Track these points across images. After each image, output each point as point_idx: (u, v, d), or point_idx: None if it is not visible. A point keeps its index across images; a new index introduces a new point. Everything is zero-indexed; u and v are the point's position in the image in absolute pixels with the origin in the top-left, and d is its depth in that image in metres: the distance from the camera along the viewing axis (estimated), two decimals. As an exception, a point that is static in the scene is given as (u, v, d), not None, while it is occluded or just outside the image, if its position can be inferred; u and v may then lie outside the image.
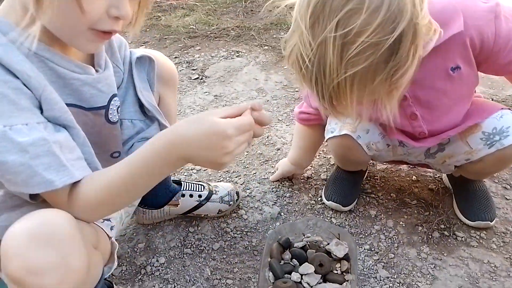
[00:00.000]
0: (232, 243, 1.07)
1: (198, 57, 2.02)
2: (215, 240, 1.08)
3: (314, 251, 0.81)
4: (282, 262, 0.81)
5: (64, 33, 0.61)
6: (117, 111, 0.76)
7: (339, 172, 1.19)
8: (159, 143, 0.62)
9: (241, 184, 1.25)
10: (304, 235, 0.88)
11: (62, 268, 0.56)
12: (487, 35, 0.78)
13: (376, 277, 0.97)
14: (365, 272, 0.98)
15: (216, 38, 2.18)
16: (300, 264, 0.80)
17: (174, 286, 0.98)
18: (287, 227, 0.89)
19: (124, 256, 1.05)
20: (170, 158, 0.62)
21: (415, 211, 1.13)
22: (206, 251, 1.05)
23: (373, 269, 0.99)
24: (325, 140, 1.09)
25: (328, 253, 0.81)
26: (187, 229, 1.10)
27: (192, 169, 1.33)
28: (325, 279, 0.77)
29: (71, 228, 0.59)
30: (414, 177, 1.24)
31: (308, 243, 0.85)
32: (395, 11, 0.62)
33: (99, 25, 0.60)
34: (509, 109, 0.94)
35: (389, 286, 0.95)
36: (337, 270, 0.79)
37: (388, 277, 0.97)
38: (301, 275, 0.77)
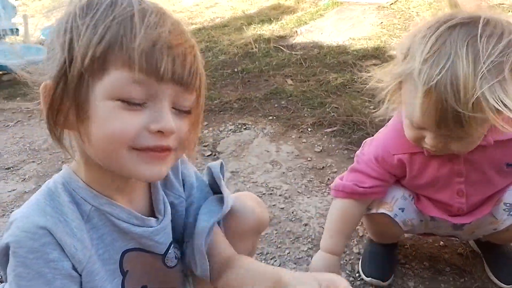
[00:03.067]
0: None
1: (207, 132, 2.09)
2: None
3: None
4: None
5: (113, 163, 0.61)
6: (175, 257, 0.79)
7: (373, 246, 1.24)
8: None
9: (278, 266, 1.28)
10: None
11: None
12: None
13: None
14: None
15: (220, 111, 2.28)
16: None
17: None
18: None
19: None
20: None
21: (451, 278, 1.18)
22: None
23: None
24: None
25: None
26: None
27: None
28: None
29: None
30: (441, 242, 1.30)
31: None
32: None
33: (140, 142, 0.58)
34: None
35: None
36: None
37: None
38: None
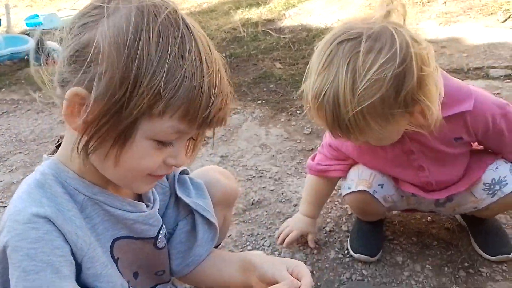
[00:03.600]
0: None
1: (196, 118, 2.08)
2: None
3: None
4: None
5: (124, 182, 0.67)
6: (165, 236, 0.81)
7: (361, 223, 1.25)
8: None
9: (268, 247, 1.29)
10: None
11: None
12: (488, 124, 0.92)
13: (418, 325, 1.02)
14: (406, 322, 1.03)
15: (209, 97, 2.26)
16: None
17: None
18: None
19: None
20: None
21: (438, 252, 1.20)
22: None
23: (413, 317, 1.03)
24: (342, 196, 1.16)
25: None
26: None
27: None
28: None
29: None
30: (429, 218, 1.32)
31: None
32: (396, 52, 0.77)
33: (156, 172, 0.65)
34: (502, 157, 1.05)
35: (432, 333, 1.00)
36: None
37: (429, 324, 1.02)
38: None
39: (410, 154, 1.00)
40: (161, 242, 0.80)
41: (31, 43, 2.62)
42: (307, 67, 0.89)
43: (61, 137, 0.71)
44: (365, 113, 0.79)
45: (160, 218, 0.79)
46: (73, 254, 0.63)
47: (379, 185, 1.08)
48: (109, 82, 0.55)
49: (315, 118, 0.89)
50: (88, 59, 0.56)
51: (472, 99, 0.89)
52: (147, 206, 0.76)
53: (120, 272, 0.73)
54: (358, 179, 1.09)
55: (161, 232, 0.79)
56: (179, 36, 0.57)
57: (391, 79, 0.77)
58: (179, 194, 0.84)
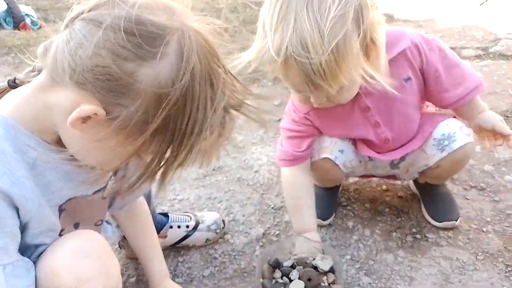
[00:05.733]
0: (221, 268, 1.12)
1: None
2: (204, 267, 1.12)
3: (302, 267, 0.88)
4: (274, 281, 0.87)
5: (98, 163, 0.65)
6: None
7: (316, 189, 1.26)
8: None
9: (224, 209, 1.30)
10: (291, 254, 0.95)
11: (104, 274, 0.66)
12: (422, 56, 0.96)
13: (359, 284, 1.04)
14: (349, 281, 1.05)
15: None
16: (290, 281, 0.86)
17: (170, 316, 1.01)
18: (275, 248, 0.95)
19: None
20: None
21: (389, 219, 1.22)
22: (197, 279, 1.09)
23: (356, 277, 1.06)
24: None
25: (315, 267, 0.87)
26: (176, 259, 1.14)
27: (174, 199, 1.36)
28: (314, 292, 0.83)
29: (104, 241, 0.69)
30: (384, 186, 1.34)
31: (296, 260, 0.91)
32: None
33: None
34: (454, 117, 1.08)
35: (373, 292, 1.02)
36: (324, 283, 0.85)
37: (370, 283, 1.04)
38: (293, 291, 0.83)
39: (366, 111, 1.01)
40: (107, 191, 0.80)
41: (2, 5, 2.55)
42: (256, 32, 0.86)
43: (17, 79, 0.68)
44: (335, 54, 0.78)
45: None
46: (19, 215, 0.63)
47: (339, 151, 1.09)
48: (141, 124, 0.57)
49: (283, 77, 0.85)
50: (122, 90, 0.56)
51: (407, 36, 0.94)
52: None
53: (62, 222, 0.73)
54: (320, 147, 1.09)
55: (109, 182, 0.79)
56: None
57: (352, 14, 0.77)
58: None
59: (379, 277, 1.06)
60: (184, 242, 1.14)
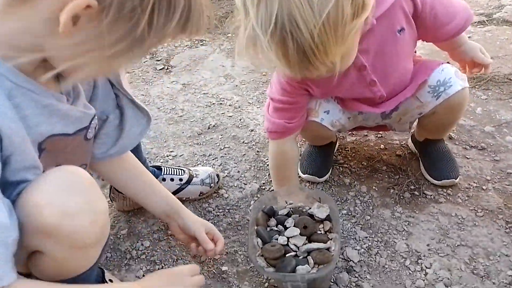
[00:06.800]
0: (215, 221, 1.09)
1: (161, 48, 2.00)
2: (198, 220, 1.10)
3: (298, 215, 0.85)
4: (269, 229, 0.85)
5: (91, 73, 0.62)
6: (95, 129, 0.77)
7: (312, 147, 1.24)
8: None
9: (219, 166, 1.27)
10: (287, 203, 0.92)
11: (91, 210, 0.62)
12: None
13: (355, 238, 1.02)
14: (345, 235, 1.03)
15: (178, 28, 2.17)
16: (286, 229, 0.83)
17: (162, 266, 0.99)
18: (270, 197, 0.92)
19: (108, 244, 1.04)
20: None
21: (386, 176, 1.20)
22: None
23: (352, 231, 1.04)
24: None
25: (311, 216, 0.85)
26: (169, 212, 1.11)
27: (168, 156, 1.33)
28: (310, 240, 0.81)
29: (90, 177, 0.65)
30: (382, 145, 1.31)
31: (292, 209, 0.88)
32: None
33: None
34: (448, 62, 1.05)
35: (368, 245, 1.00)
36: (320, 231, 0.83)
37: (366, 237, 1.02)
38: (288, 238, 0.80)
39: (362, 69, 0.96)
40: (91, 133, 0.76)
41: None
42: (232, 12, 0.77)
43: None
44: (326, 26, 0.69)
45: (92, 107, 0.74)
46: (2, 147, 0.58)
47: (325, 112, 1.06)
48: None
49: (272, 56, 0.73)
50: None
51: None
52: (67, 100, 0.70)
53: (42, 163, 0.68)
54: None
55: (92, 122, 0.75)
56: None
57: None
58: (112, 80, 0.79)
59: (376, 231, 1.04)
60: (177, 195, 1.10)
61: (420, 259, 0.96)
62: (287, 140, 1.05)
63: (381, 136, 1.34)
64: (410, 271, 0.94)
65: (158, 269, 0.98)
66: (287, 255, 0.77)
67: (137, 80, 1.77)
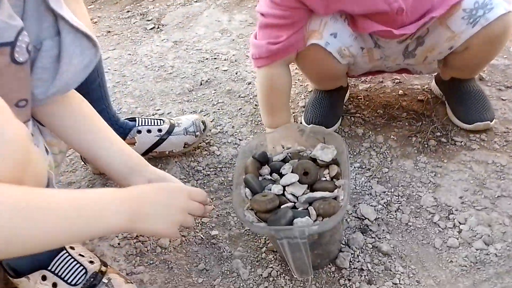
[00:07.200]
0: (205, 181, 0.94)
1: (153, 8, 1.83)
2: (185, 180, 0.94)
3: (297, 160, 0.68)
4: (261, 178, 0.68)
5: None
6: (27, 50, 0.59)
7: (317, 93, 1.06)
8: (111, 191, 0.56)
9: (211, 121, 1.10)
10: (283, 147, 0.75)
11: None
12: None
13: (371, 193, 0.85)
14: (358, 190, 0.86)
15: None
16: (281, 177, 0.66)
17: (137, 235, 0.84)
18: (262, 139, 0.74)
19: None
20: (118, 209, 0.53)
21: (406, 124, 1.01)
22: (176, 193, 0.91)
23: (366, 186, 0.87)
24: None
25: (314, 160, 0.68)
26: (152, 173, 0.96)
27: (154, 114, 1.17)
28: (312, 189, 0.64)
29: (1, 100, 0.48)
30: (400, 91, 1.12)
31: (289, 154, 0.71)
32: None
33: None
34: None
35: (387, 201, 0.83)
36: (325, 177, 0.66)
37: (384, 192, 0.85)
38: (284, 186, 0.64)
39: None
40: (21, 54, 0.59)
41: None
42: None
43: None
44: None
45: (16, 16, 0.58)
46: None
47: (331, 34, 0.85)
48: None
49: None
50: None
51: None
52: None
53: None
54: (307, 31, 0.86)
55: (20, 37, 0.58)
56: None
57: None
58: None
59: (395, 185, 0.86)
60: (158, 149, 0.95)
61: (452, 214, 0.79)
62: (275, 66, 0.88)
63: (399, 82, 1.15)
64: (440, 228, 0.77)
65: (136, 236, 0.83)
66: (282, 206, 0.61)
67: (125, 41, 1.60)
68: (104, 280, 0.69)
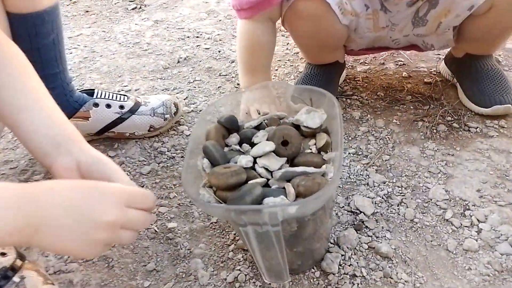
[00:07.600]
0: (168, 165, 0.78)
1: (137, -12, 1.69)
2: (144, 162, 0.78)
3: (274, 127, 0.52)
4: (227, 149, 0.52)
5: None
6: None
7: (310, 69, 0.91)
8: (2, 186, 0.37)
9: (184, 99, 0.95)
10: (259, 113, 0.59)
11: None
12: None
13: (368, 183, 0.69)
14: (352, 179, 0.70)
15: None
16: (253, 147, 0.50)
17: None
18: (231, 100, 0.58)
19: None
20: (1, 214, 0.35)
21: (411, 107, 0.86)
22: (131, 177, 0.75)
23: (363, 175, 0.71)
24: (281, 15, 0.79)
25: (297, 127, 0.52)
26: (105, 153, 0.80)
27: (120, 91, 1.01)
28: (293, 164, 0.48)
29: None
30: (404, 73, 0.97)
31: (266, 120, 0.56)
32: None
33: None
34: None
35: (388, 192, 0.67)
36: (310, 149, 0.50)
37: (384, 182, 0.69)
38: (254, 158, 0.48)
39: None
40: None
41: None
42: None
43: None
44: None
45: None
46: None
47: None
48: None
49: None
50: None
51: None
52: None
53: None
54: None
55: None
56: None
57: None
58: None
59: (398, 174, 0.71)
60: (116, 129, 0.79)
61: (469, 209, 0.63)
62: (257, 21, 0.76)
63: (403, 64, 1.01)
64: (454, 227, 0.61)
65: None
66: (249, 182, 0.45)
67: (103, 20, 1.45)
68: (15, 279, 0.52)
